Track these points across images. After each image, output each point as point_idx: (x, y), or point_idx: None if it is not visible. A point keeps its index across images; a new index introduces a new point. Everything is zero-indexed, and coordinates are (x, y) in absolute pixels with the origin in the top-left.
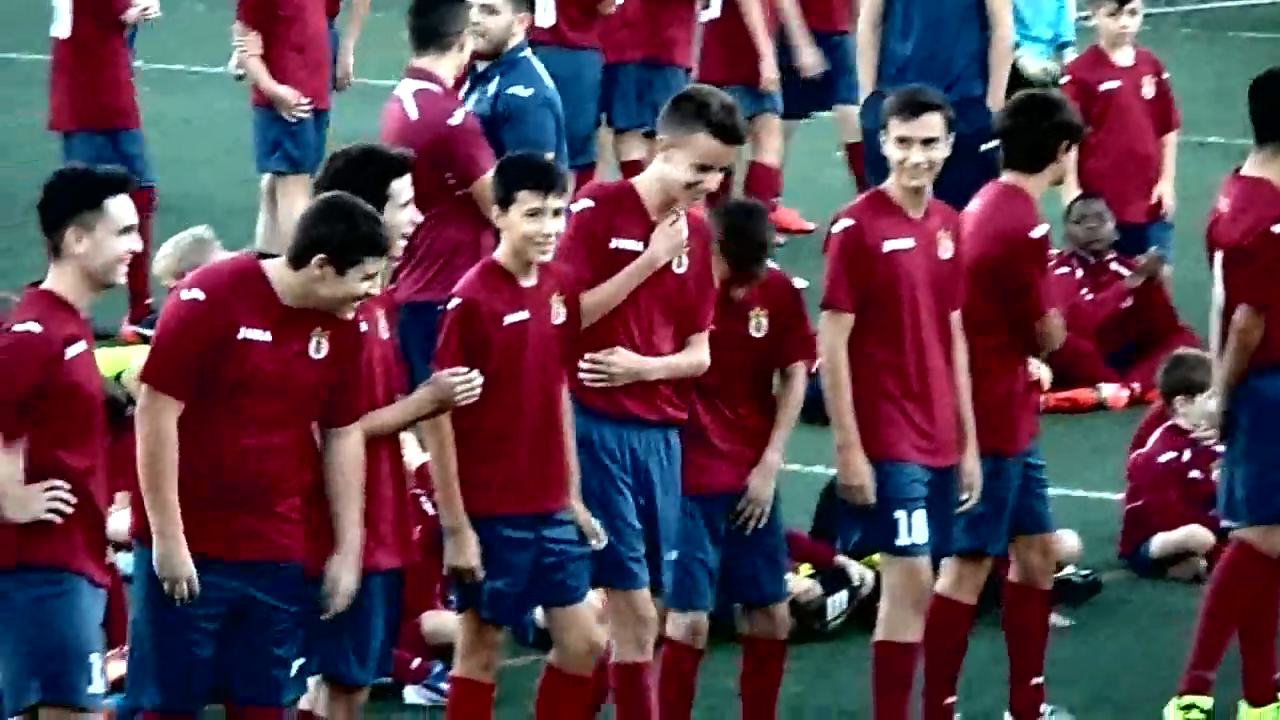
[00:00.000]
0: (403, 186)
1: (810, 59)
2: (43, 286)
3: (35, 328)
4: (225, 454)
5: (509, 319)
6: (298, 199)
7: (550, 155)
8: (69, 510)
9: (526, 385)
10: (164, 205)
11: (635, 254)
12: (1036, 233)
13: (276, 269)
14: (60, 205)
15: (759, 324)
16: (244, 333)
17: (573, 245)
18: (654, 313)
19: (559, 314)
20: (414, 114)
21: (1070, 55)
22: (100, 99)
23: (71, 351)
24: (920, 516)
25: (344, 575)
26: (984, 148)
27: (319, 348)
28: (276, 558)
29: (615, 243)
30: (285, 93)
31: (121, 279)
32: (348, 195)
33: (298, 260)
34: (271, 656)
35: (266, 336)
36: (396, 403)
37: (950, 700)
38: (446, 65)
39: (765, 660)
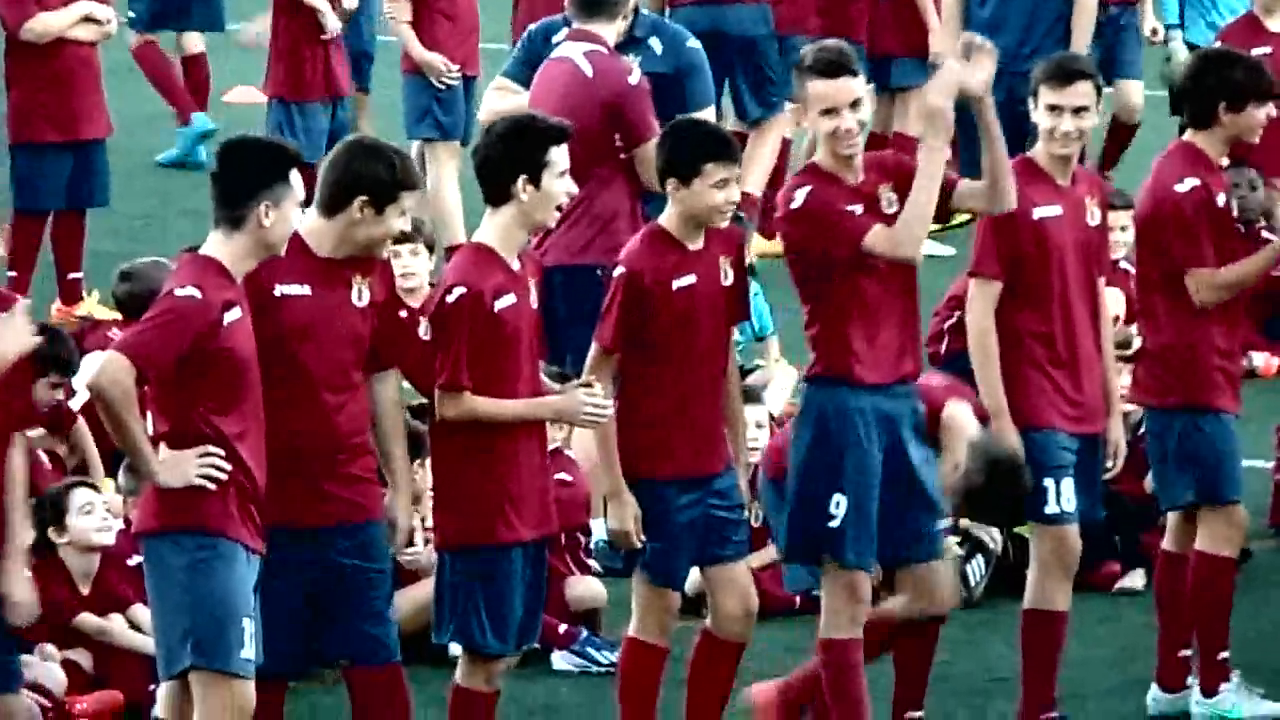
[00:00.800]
0: (561, 155)
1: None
2: (203, 252)
3: (195, 293)
4: (290, 417)
5: (677, 284)
6: (447, 165)
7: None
8: (223, 477)
9: (696, 349)
10: None
11: None
12: (1181, 187)
13: (307, 224)
14: (251, 178)
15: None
16: (280, 289)
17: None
18: None
19: (728, 275)
20: (590, 72)
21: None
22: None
23: (230, 317)
24: (1069, 484)
25: (400, 515)
26: None
27: (361, 295)
28: (356, 519)
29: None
30: (435, 59)
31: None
32: (370, 137)
33: (334, 206)
34: (370, 616)
35: (306, 290)
36: (523, 401)
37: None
38: (611, 31)
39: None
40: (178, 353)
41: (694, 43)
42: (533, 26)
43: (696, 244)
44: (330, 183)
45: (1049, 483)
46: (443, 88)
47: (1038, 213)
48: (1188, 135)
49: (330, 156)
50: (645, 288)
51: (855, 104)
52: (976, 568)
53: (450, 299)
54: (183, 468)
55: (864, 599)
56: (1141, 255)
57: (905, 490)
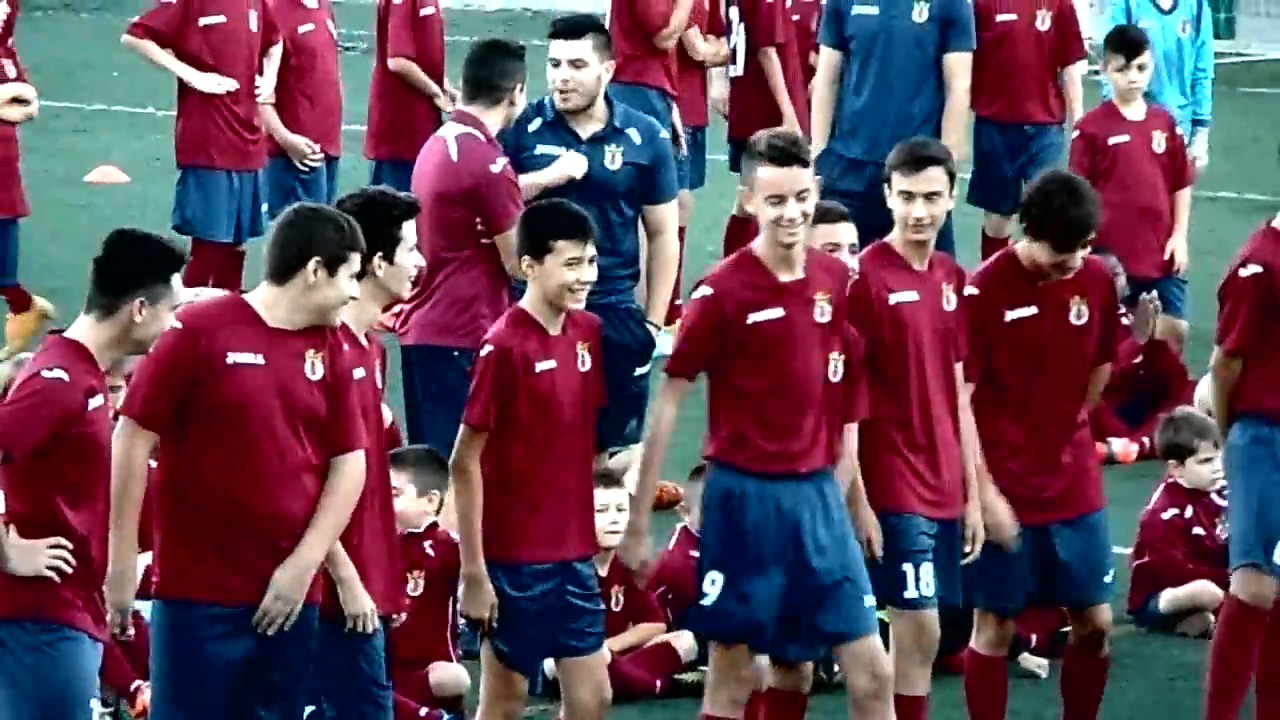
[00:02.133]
0: (410, 230)
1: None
2: (70, 335)
3: (63, 375)
4: (237, 489)
5: (540, 366)
6: None
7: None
8: (68, 570)
9: (557, 433)
10: None
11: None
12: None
13: (259, 295)
14: (133, 272)
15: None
16: (233, 358)
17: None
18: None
19: (585, 362)
20: (455, 156)
21: (1200, 137)
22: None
23: (93, 403)
24: (928, 568)
25: (280, 572)
26: None
27: (314, 369)
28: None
29: (751, 318)
30: (298, 141)
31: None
32: (317, 205)
33: (287, 271)
34: (289, 698)
35: (259, 360)
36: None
37: None
38: (494, 117)
39: (789, 712)
40: (41, 434)
41: (664, 133)
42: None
43: (556, 329)
44: (279, 249)
45: (908, 568)
46: (306, 169)
47: (894, 298)
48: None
49: (276, 225)
50: (512, 366)
51: (801, 194)
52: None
53: None
54: (34, 557)
55: (745, 678)
56: None
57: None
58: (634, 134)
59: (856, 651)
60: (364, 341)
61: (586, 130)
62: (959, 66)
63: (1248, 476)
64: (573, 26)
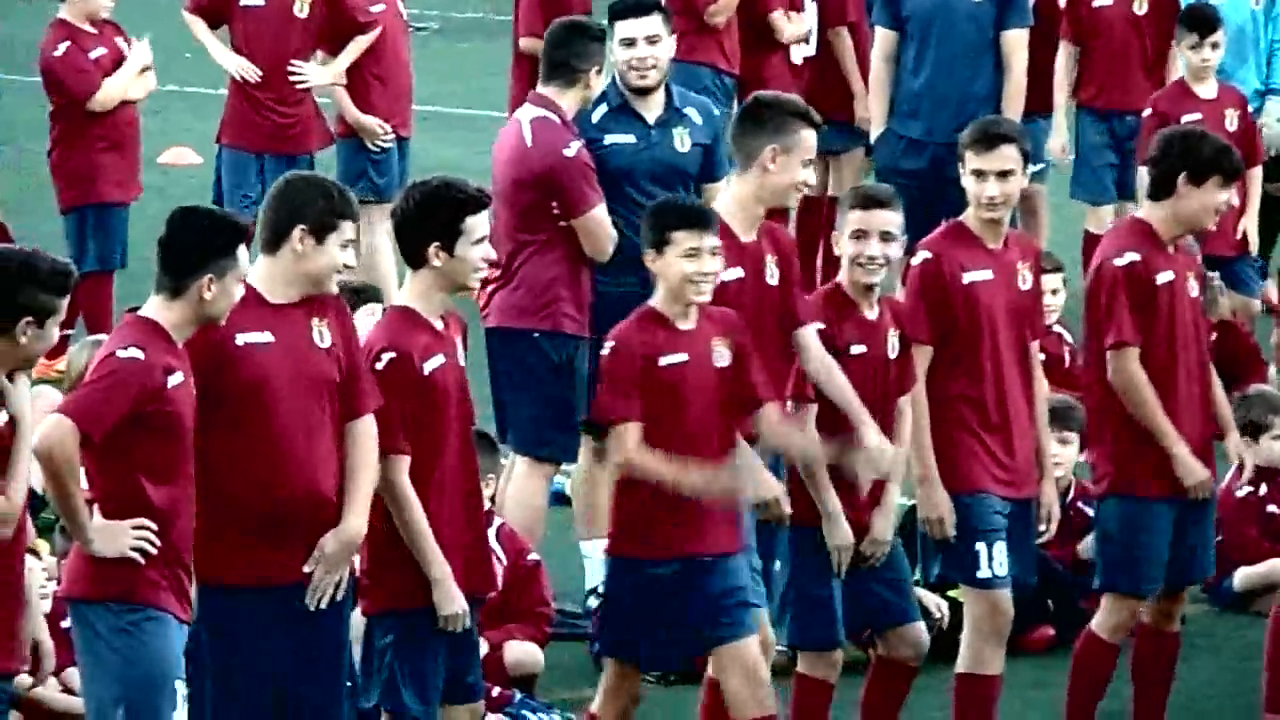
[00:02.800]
0: (477, 223)
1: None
2: (145, 314)
3: (138, 354)
4: (262, 470)
5: (665, 360)
6: (380, 227)
7: None
8: (153, 551)
9: (685, 425)
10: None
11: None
12: (1120, 260)
13: (256, 271)
14: (199, 249)
15: (894, 345)
16: (242, 339)
17: None
18: None
19: (722, 357)
20: (529, 140)
21: (1271, 105)
22: None
23: (173, 381)
24: (1001, 548)
25: (329, 543)
26: None
27: (322, 337)
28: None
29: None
30: (370, 122)
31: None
32: (306, 172)
33: (275, 241)
34: (331, 678)
35: (268, 337)
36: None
37: None
38: (570, 99)
39: (895, 681)
40: (120, 414)
41: (716, 110)
42: None
43: (686, 323)
44: (269, 219)
45: (980, 547)
46: (377, 150)
47: (968, 277)
48: (1143, 210)
49: (268, 195)
50: (632, 359)
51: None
52: None
53: (380, 365)
54: (118, 538)
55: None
56: (1085, 330)
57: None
58: (694, 114)
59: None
60: (438, 326)
61: (652, 114)
62: (1017, 44)
63: None
64: (639, 4)
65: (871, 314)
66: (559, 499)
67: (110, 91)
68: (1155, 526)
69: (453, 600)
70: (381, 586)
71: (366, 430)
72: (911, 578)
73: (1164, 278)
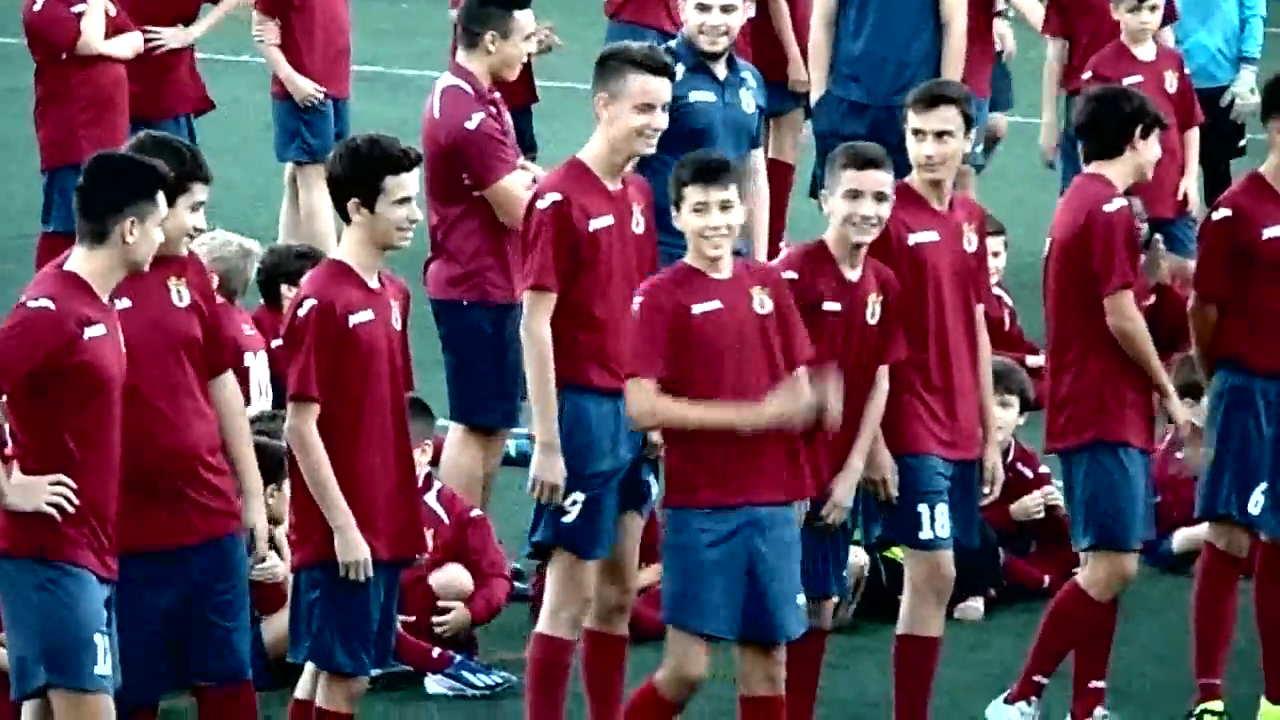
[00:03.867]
0: (399, 183)
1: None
2: (66, 267)
3: (49, 304)
4: (135, 435)
5: (699, 309)
6: (318, 188)
7: None
8: (70, 509)
9: (723, 374)
10: None
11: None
12: (1110, 207)
13: None
14: (117, 194)
15: (874, 310)
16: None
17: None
18: None
19: (764, 304)
20: (437, 113)
21: (1245, 74)
22: None
23: (91, 333)
24: (943, 509)
25: (257, 520)
26: None
27: (181, 296)
28: (214, 534)
29: (591, 224)
30: (301, 82)
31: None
32: (159, 133)
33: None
34: (227, 634)
35: (126, 303)
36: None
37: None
38: (477, 64)
39: (809, 651)
40: (30, 365)
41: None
42: None
43: (718, 273)
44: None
45: (923, 508)
46: (309, 110)
47: (913, 238)
48: (1094, 167)
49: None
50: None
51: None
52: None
53: (301, 311)
54: (34, 494)
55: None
56: (1061, 284)
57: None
58: (749, 77)
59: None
60: (373, 284)
61: (721, 73)
62: (956, 8)
63: (1222, 425)
64: None
65: (853, 274)
66: (510, 461)
67: (90, 35)
68: (1138, 478)
69: (354, 548)
70: (307, 539)
71: (232, 388)
72: (846, 553)
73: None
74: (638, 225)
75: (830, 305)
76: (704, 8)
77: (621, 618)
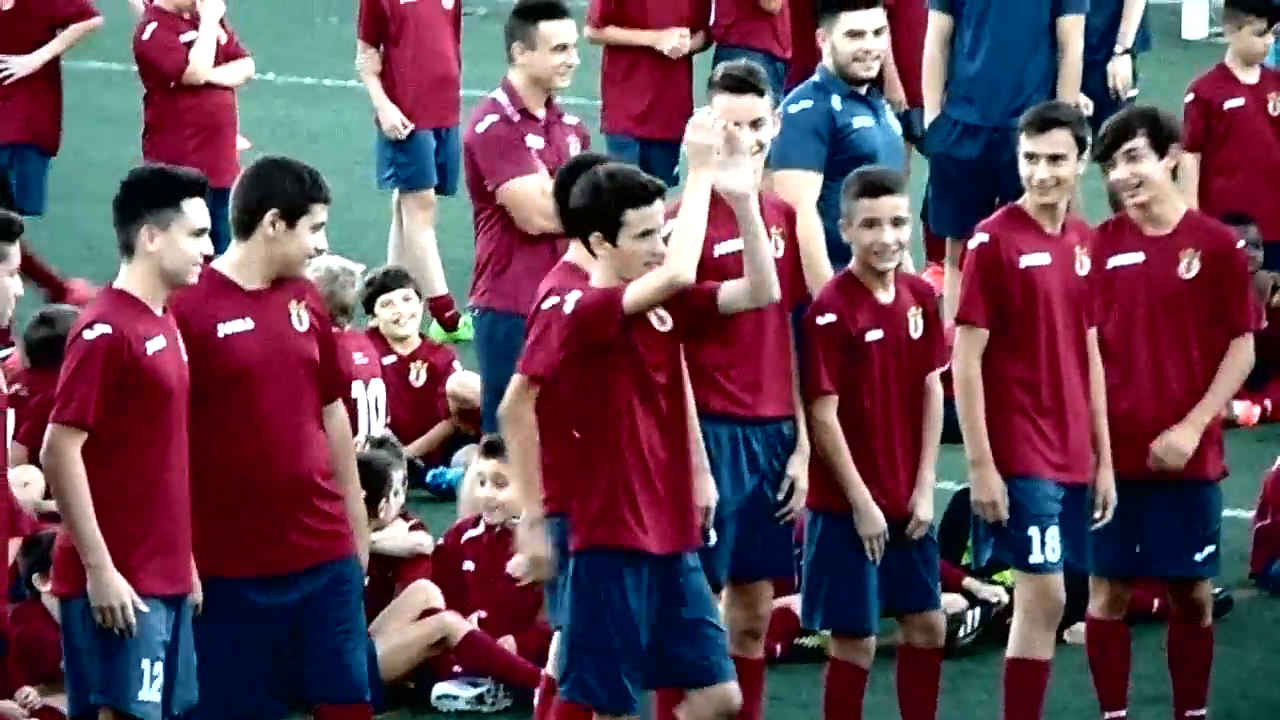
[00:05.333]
0: (641, 216)
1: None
2: (115, 285)
3: (106, 329)
4: (249, 459)
5: (871, 336)
6: (418, 215)
7: None
8: (122, 635)
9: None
10: None
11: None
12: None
13: (229, 257)
14: (136, 203)
15: (915, 324)
16: (223, 329)
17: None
18: None
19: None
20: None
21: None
22: None
23: (152, 347)
24: (1054, 533)
25: (360, 551)
26: None
27: (301, 320)
28: (326, 558)
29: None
30: (388, 113)
31: (192, 281)
32: (279, 156)
33: (247, 226)
34: (342, 655)
35: (249, 324)
36: None
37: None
38: (514, 75)
39: (924, 670)
40: (103, 394)
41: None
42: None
43: (886, 295)
44: (239, 204)
45: (1034, 531)
46: (402, 137)
47: (1024, 261)
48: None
49: (239, 179)
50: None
51: (756, 123)
52: (973, 618)
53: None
54: (110, 600)
55: None
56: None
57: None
58: (884, 100)
59: None
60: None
61: (873, 97)
62: (1073, 29)
63: None
64: None
65: (887, 297)
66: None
67: (198, 64)
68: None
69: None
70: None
71: (340, 417)
72: (937, 565)
73: None
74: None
75: (873, 334)
76: (857, 34)
77: (754, 642)
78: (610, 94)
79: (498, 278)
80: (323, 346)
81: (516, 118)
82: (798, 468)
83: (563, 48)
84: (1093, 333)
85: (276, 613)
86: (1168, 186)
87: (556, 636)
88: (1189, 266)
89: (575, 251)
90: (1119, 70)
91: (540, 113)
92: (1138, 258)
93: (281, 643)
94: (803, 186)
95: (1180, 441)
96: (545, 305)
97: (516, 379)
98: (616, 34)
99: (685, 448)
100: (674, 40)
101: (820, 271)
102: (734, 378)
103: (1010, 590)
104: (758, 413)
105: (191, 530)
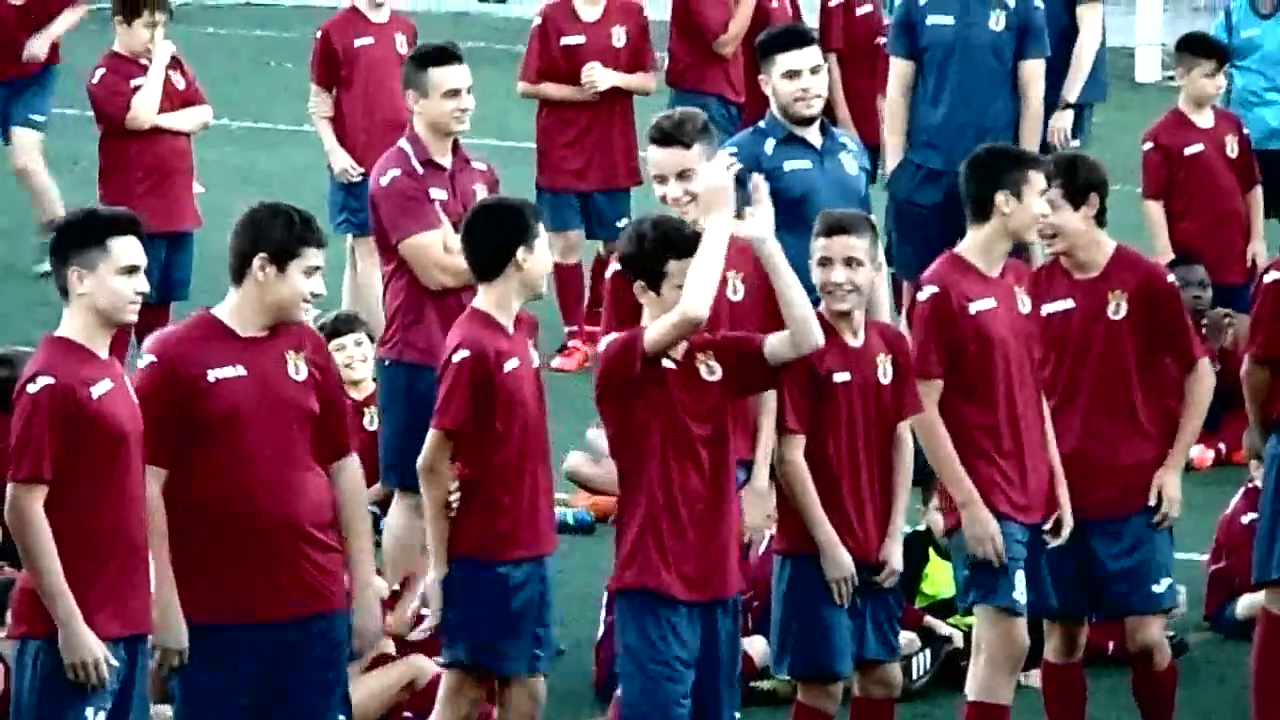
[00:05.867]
0: (682, 267)
1: None
2: (58, 334)
3: (49, 380)
4: (237, 503)
5: (838, 378)
6: (369, 259)
7: None
8: (95, 685)
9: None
10: None
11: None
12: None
13: (226, 305)
14: (63, 244)
15: (885, 370)
16: (213, 374)
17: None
18: None
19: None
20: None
21: None
22: None
23: (96, 391)
24: (1021, 576)
25: (364, 616)
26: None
27: (298, 370)
28: (315, 610)
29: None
30: (338, 157)
31: (131, 319)
32: (272, 201)
33: (239, 272)
34: (323, 711)
35: (240, 371)
36: None
37: None
38: (417, 123)
39: (874, 718)
40: (55, 445)
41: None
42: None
43: (856, 341)
44: (232, 250)
45: (1013, 572)
46: (353, 182)
47: (973, 307)
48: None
49: (235, 226)
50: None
51: (682, 174)
52: (923, 660)
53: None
54: (83, 656)
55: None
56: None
57: None
58: (848, 141)
59: None
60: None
61: (815, 139)
62: (1034, 74)
63: (1274, 490)
64: (800, 35)
65: (855, 341)
66: (565, 529)
67: (140, 110)
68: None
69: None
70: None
71: (352, 472)
72: (899, 617)
73: None
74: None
75: (840, 376)
76: (793, 74)
77: None
78: (548, 150)
79: (408, 330)
80: (324, 400)
81: (420, 170)
82: (744, 501)
83: (454, 93)
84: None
85: (252, 659)
86: (1089, 234)
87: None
88: (1117, 308)
89: (483, 298)
90: (1060, 124)
91: (446, 160)
92: (1068, 304)
93: (256, 689)
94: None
95: (1171, 490)
96: (455, 358)
97: (433, 434)
98: (551, 89)
99: (725, 499)
100: (591, 76)
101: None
102: None
103: (966, 633)
104: None
105: (174, 575)
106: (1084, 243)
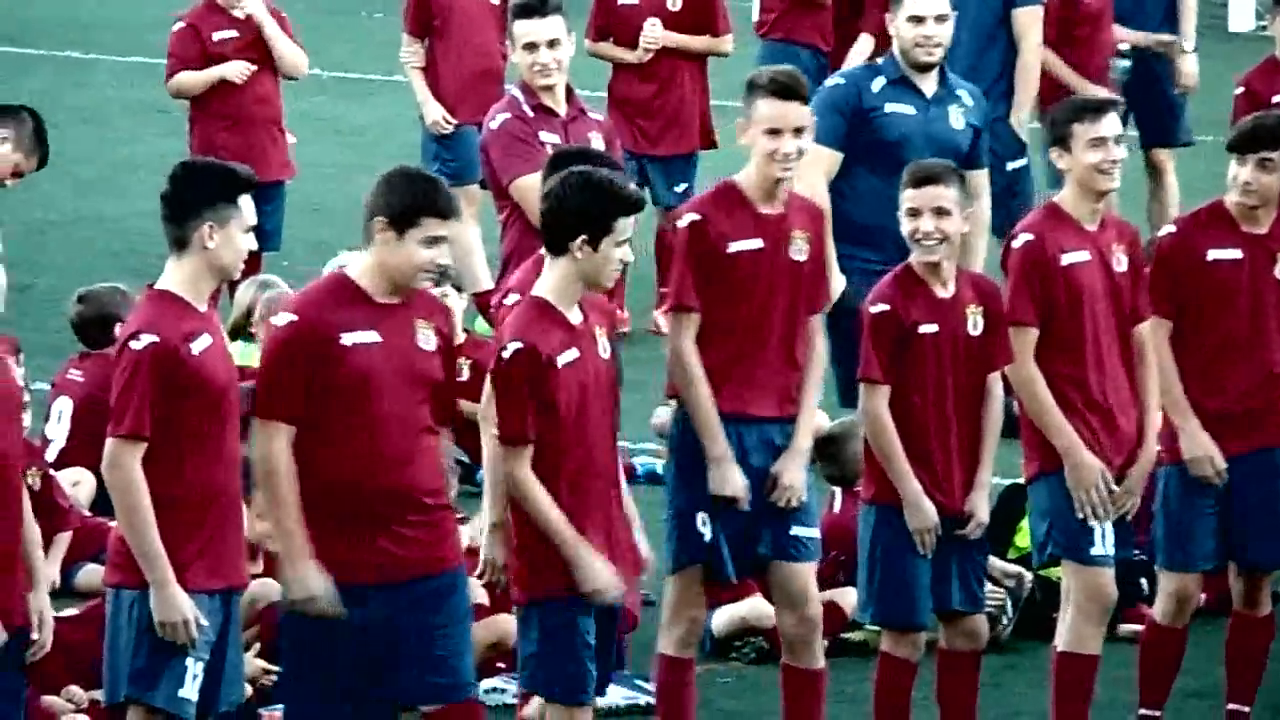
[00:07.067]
0: (626, 225)
1: None
2: (158, 286)
3: (153, 337)
4: (361, 469)
5: (924, 329)
6: (461, 210)
7: None
8: (188, 648)
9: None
10: (342, 210)
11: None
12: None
13: (357, 266)
14: (195, 197)
15: (975, 322)
16: (347, 338)
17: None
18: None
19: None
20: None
21: None
22: None
23: (197, 346)
24: (1109, 527)
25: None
26: (1011, 166)
27: (428, 339)
28: (434, 571)
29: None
30: (429, 108)
31: (238, 275)
32: (404, 165)
33: (366, 235)
34: (449, 658)
35: (374, 336)
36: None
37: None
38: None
39: (964, 673)
40: (158, 401)
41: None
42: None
43: (946, 291)
44: (365, 211)
45: (1095, 524)
46: (445, 132)
47: (1065, 259)
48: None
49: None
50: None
51: (799, 130)
52: (1007, 609)
53: (505, 354)
54: (173, 617)
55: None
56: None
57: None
58: (965, 96)
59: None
60: (574, 320)
61: (929, 89)
62: (1029, 21)
63: None
64: None
65: (945, 292)
66: (634, 479)
67: (182, 82)
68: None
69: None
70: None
71: (444, 441)
72: (985, 569)
73: None
74: (799, 253)
75: (926, 327)
76: (918, 19)
77: (807, 650)
78: (614, 113)
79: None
80: (446, 370)
81: (531, 114)
82: (784, 464)
83: (531, 46)
84: (1146, 326)
85: (368, 620)
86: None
87: None
88: None
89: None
90: (1187, 68)
91: (560, 108)
92: (1236, 253)
93: (373, 648)
94: (812, 160)
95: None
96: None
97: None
98: (606, 49)
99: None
100: (654, 34)
101: None
102: (733, 376)
103: (1055, 583)
104: (749, 412)
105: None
106: (1272, 200)
